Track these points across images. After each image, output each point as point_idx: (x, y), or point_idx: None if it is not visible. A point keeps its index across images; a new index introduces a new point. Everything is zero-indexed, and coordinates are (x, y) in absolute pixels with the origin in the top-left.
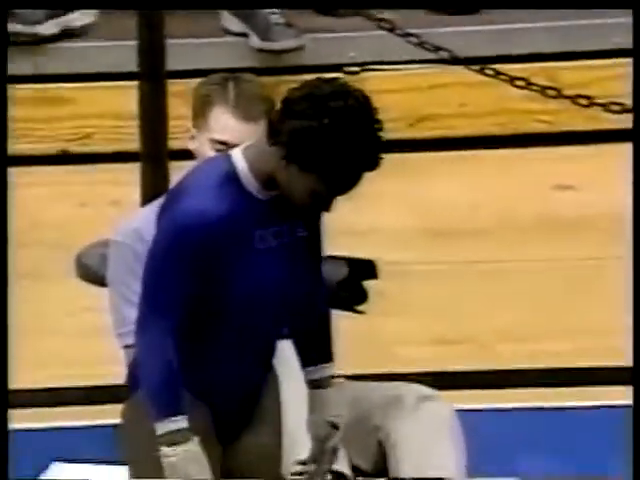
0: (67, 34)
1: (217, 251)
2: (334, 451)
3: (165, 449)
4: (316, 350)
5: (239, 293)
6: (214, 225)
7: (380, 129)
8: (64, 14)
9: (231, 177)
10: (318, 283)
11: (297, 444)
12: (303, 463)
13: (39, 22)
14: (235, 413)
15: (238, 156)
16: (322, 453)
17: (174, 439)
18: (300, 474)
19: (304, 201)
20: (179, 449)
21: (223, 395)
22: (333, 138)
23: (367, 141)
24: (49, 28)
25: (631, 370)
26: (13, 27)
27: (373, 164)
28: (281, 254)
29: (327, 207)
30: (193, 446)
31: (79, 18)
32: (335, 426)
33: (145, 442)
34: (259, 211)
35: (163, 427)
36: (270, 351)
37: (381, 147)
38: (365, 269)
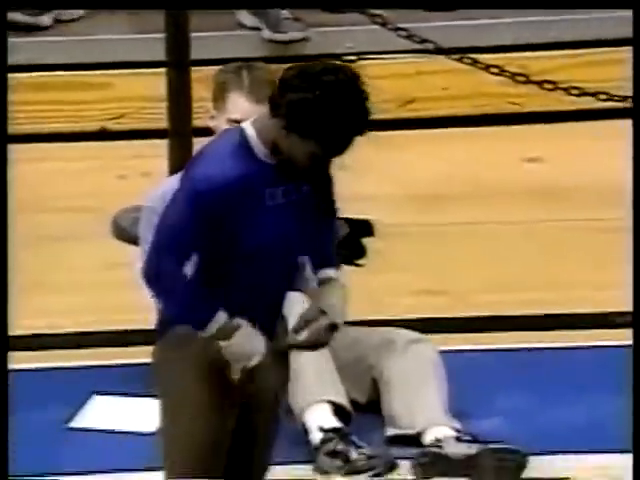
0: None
1: (231, 206)
2: (329, 327)
3: (223, 344)
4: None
5: (252, 241)
6: (228, 183)
7: (367, 99)
8: None
9: (243, 144)
10: (325, 233)
11: (311, 394)
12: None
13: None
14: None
15: (248, 127)
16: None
17: (225, 332)
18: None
19: (305, 164)
20: (234, 337)
21: None
22: (326, 107)
23: (356, 109)
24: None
25: (622, 314)
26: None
27: (362, 129)
28: (289, 209)
29: (325, 168)
30: (244, 328)
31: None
32: (323, 312)
33: (174, 378)
34: (268, 173)
35: (210, 330)
36: (282, 294)
37: (368, 114)
38: (363, 228)
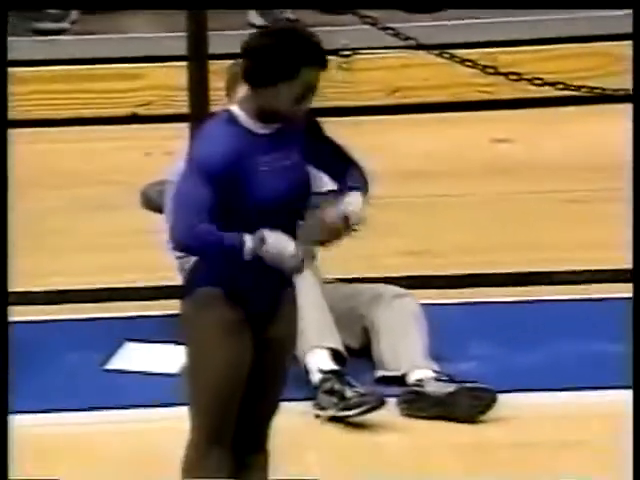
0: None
1: (231, 172)
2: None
3: (264, 253)
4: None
5: (253, 201)
6: (224, 154)
7: (313, 36)
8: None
9: (232, 122)
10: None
11: (312, 341)
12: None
13: (63, 18)
14: (263, 312)
15: (235, 108)
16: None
17: (258, 245)
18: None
19: (289, 107)
20: (267, 243)
21: (254, 298)
22: (279, 48)
23: (304, 42)
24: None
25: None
26: (44, 25)
27: (322, 63)
28: (282, 172)
29: (306, 106)
30: (268, 233)
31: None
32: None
33: (200, 331)
34: (260, 142)
35: (248, 251)
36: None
37: (318, 46)
38: None
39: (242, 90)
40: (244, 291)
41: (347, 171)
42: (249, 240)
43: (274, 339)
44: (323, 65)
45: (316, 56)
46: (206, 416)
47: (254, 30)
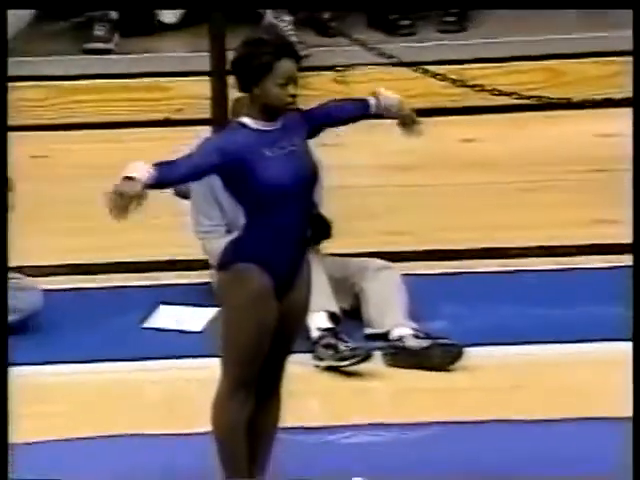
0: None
1: (238, 159)
2: None
3: None
4: None
5: (264, 185)
6: (235, 143)
7: (284, 38)
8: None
9: (241, 125)
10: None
11: (315, 305)
12: None
13: (109, 41)
14: (287, 281)
15: (243, 117)
16: None
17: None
18: None
19: (278, 97)
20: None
21: (279, 271)
22: (257, 52)
23: (278, 44)
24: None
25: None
26: (94, 46)
27: (291, 54)
28: (288, 158)
29: (295, 96)
30: None
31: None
32: None
33: (234, 299)
34: (266, 137)
35: None
36: (303, 228)
37: (289, 45)
38: (323, 228)
39: (244, 108)
40: (271, 266)
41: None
42: None
43: (293, 305)
44: (292, 55)
45: (284, 50)
46: (236, 367)
47: None
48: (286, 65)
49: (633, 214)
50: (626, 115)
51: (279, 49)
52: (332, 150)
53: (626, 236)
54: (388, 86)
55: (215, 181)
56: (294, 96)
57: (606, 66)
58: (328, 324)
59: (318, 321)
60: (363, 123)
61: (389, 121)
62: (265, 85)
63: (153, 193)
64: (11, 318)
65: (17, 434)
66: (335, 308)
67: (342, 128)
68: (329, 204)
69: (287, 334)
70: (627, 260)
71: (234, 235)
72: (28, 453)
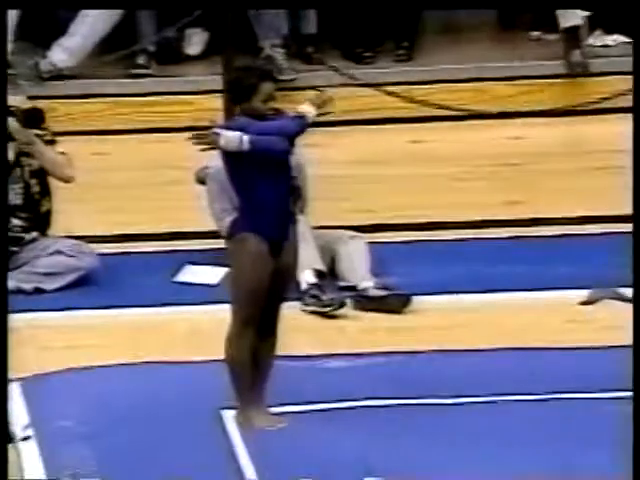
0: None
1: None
2: None
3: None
4: None
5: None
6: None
7: (265, 67)
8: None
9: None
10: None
11: (304, 264)
12: None
13: (148, 67)
14: (278, 245)
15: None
16: None
17: None
18: None
19: (263, 112)
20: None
21: (272, 238)
22: (247, 77)
23: (260, 71)
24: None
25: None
26: (136, 71)
27: (270, 79)
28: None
29: (274, 108)
30: None
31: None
32: None
33: (240, 261)
34: (256, 125)
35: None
36: (289, 201)
37: (269, 73)
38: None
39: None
40: (266, 234)
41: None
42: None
43: (283, 263)
44: (271, 79)
45: (266, 75)
46: (243, 310)
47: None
48: (267, 86)
49: (633, 214)
50: (528, 123)
51: (262, 74)
52: (312, 148)
53: (528, 212)
54: (355, 101)
55: (223, 176)
56: (273, 108)
57: (516, 87)
58: (314, 279)
59: (307, 276)
60: (337, 129)
61: (356, 127)
62: (251, 101)
63: (182, 180)
64: (74, 274)
65: (73, 361)
66: (321, 266)
67: (318, 130)
68: (313, 190)
69: (280, 286)
70: (532, 231)
71: (236, 214)
72: (84, 376)
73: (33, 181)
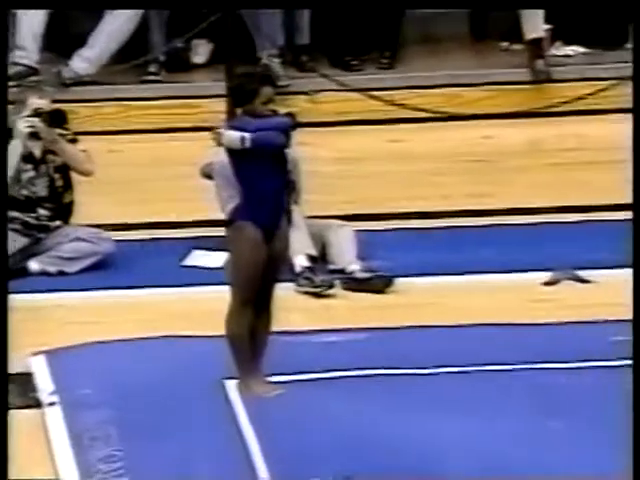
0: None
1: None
2: None
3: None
4: None
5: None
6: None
7: (267, 73)
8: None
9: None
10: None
11: (298, 249)
12: None
13: (158, 74)
14: (271, 232)
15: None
16: None
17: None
18: None
19: (265, 109)
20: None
21: (267, 226)
22: (249, 81)
23: (262, 77)
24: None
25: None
26: (147, 77)
27: (271, 83)
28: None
29: (273, 110)
30: None
31: None
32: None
33: (238, 246)
34: (256, 122)
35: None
36: (283, 193)
37: (269, 77)
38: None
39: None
40: (261, 223)
41: None
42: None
43: (276, 248)
44: (271, 84)
45: (266, 80)
46: (241, 290)
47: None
48: (267, 90)
49: (633, 216)
50: (497, 125)
51: (263, 79)
52: (304, 147)
53: (497, 204)
54: (342, 105)
55: (228, 170)
56: (272, 110)
57: (486, 92)
58: (307, 263)
59: (300, 260)
60: (326, 129)
61: (343, 128)
62: (253, 104)
63: (191, 175)
64: (93, 259)
65: (92, 336)
66: (313, 251)
67: (309, 130)
68: (306, 183)
69: (273, 269)
70: (498, 220)
71: (236, 202)
72: (101, 349)
73: (57, 175)
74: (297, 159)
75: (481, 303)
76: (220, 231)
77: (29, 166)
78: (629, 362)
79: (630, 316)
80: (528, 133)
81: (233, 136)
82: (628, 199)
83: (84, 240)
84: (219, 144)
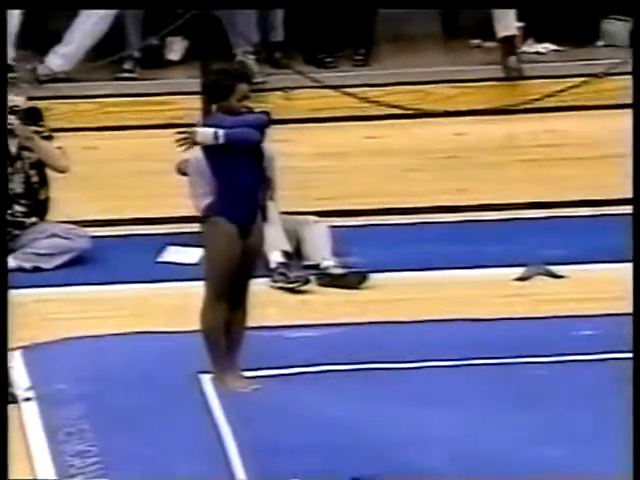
0: None
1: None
2: None
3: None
4: None
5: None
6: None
7: (242, 69)
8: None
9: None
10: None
11: (273, 245)
12: None
13: (133, 72)
14: (246, 227)
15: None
16: None
17: None
18: None
19: (240, 106)
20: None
21: (242, 221)
22: (225, 78)
23: (237, 73)
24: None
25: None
26: (121, 75)
27: (246, 80)
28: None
29: (247, 107)
30: None
31: None
32: None
33: (212, 241)
34: (233, 119)
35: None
36: (259, 189)
37: (245, 74)
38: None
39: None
40: (236, 218)
41: None
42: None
43: (251, 243)
44: (246, 80)
45: (241, 76)
46: (215, 285)
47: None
48: (243, 87)
49: (633, 219)
50: (470, 121)
51: (239, 76)
52: (281, 143)
53: (471, 199)
54: (317, 101)
55: (202, 163)
56: (247, 107)
57: (459, 89)
58: (282, 259)
59: (275, 256)
60: (303, 125)
61: (319, 125)
62: (228, 100)
63: (169, 171)
64: (69, 255)
65: (67, 331)
66: (288, 247)
67: (285, 127)
68: (281, 180)
69: (248, 264)
70: (472, 216)
71: (212, 198)
72: (77, 344)
73: (32, 172)
74: (272, 155)
75: (454, 298)
76: (195, 227)
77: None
78: (603, 356)
79: (616, 310)
80: (501, 129)
81: (206, 132)
82: (600, 195)
83: (60, 236)
84: (193, 143)
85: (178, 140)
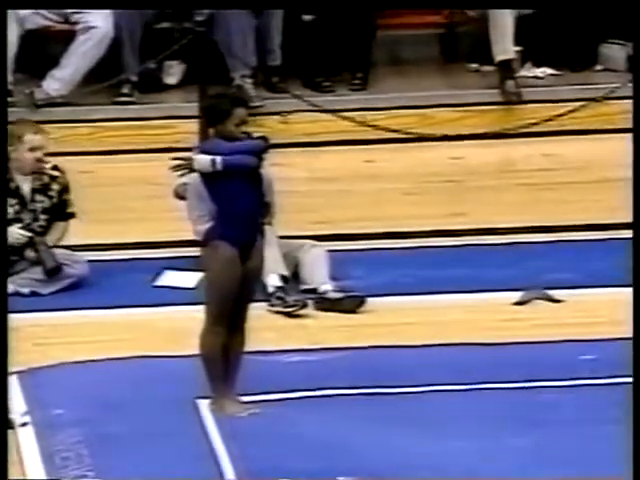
0: None
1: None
2: None
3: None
4: None
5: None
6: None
7: (239, 94)
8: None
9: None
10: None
11: (270, 269)
12: None
13: (131, 96)
14: (246, 251)
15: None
16: None
17: None
18: None
19: (236, 135)
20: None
21: (242, 245)
22: (222, 102)
23: (234, 98)
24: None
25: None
26: (120, 99)
27: (243, 105)
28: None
29: (245, 132)
30: None
31: None
32: None
33: (212, 266)
34: (230, 145)
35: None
36: (258, 213)
37: (242, 99)
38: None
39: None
40: (236, 242)
41: None
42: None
43: (251, 267)
44: (244, 105)
45: (239, 101)
46: (214, 310)
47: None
48: (240, 111)
49: (633, 243)
50: (468, 145)
51: (236, 100)
52: (279, 167)
53: (469, 223)
54: (315, 125)
55: (201, 186)
56: (245, 132)
57: (457, 113)
58: (279, 283)
59: (273, 280)
60: (299, 150)
61: (316, 149)
62: (225, 124)
63: (164, 194)
64: (66, 281)
65: (65, 356)
66: (285, 272)
67: (283, 151)
68: (279, 204)
69: (248, 287)
70: (470, 240)
71: (211, 222)
72: (74, 369)
73: (43, 217)
74: (271, 179)
75: (453, 323)
76: (193, 251)
77: (14, 201)
78: (603, 381)
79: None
80: (499, 153)
81: (203, 160)
82: (600, 219)
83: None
84: (190, 170)
85: (175, 167)
